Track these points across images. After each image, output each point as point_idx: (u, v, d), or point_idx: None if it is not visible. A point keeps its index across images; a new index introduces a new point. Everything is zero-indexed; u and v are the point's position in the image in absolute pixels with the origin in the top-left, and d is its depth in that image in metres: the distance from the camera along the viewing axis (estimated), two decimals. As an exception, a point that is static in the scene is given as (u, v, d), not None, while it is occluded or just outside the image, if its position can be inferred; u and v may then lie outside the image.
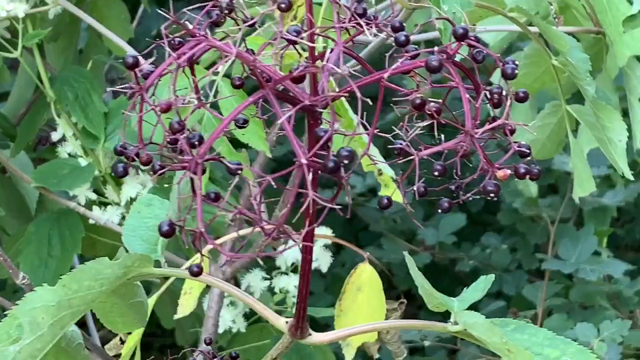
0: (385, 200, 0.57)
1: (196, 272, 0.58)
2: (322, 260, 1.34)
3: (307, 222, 0.57)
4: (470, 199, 0.57)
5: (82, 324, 1.37)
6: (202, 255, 0.56)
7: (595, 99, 0.97)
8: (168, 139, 0.54)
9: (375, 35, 0.55)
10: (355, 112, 0.54)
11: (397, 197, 0.65)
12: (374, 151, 0.90)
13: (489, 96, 0.54)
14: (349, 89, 0.53)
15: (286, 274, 1.34)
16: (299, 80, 0.53)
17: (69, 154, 1.26)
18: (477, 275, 2.03)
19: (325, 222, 1.51)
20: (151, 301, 0.98)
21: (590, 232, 1.85)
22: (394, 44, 0.54)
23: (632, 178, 1.05)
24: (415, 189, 0.55)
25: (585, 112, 1.02)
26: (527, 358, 0.60)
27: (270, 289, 1.37)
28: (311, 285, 1.69)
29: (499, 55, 0.55)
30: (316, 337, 0.65)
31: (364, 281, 1.01)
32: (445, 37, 0.73)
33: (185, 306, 1.13)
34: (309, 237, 0.59)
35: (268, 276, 1.37)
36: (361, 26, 0.54)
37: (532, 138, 1.04)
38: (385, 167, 0.90)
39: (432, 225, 2.08)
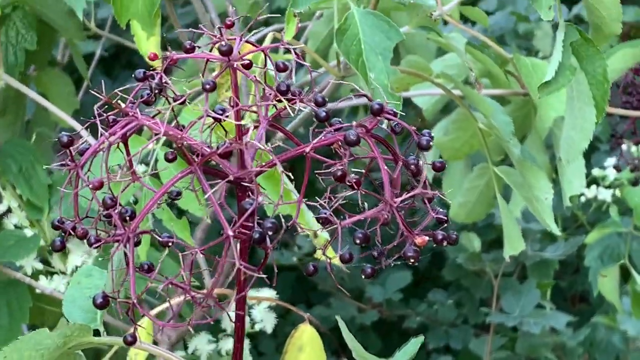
0: (312, 267, 0.59)
1: (129, 341, 0.59)
2: (266, 321, 1.36)
3: (237, 289, 0.59)
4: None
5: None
6: (136, 325, 0.58)
7: (521, 159, 1.00)
8: (102, 214, 0.56)
9: (299, 110, 0.57)
10: (287, 182, 0.56)
11: (334, 260, 0.67)
12: (310, 216, 0.92)
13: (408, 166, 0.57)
14: (271, 163, 0.55)
15: (232, 336, 1.35)
16: (225, 155, 0.55)
17: (15, 225, 1.27)
18: (425, 330, 2.05)
19: (276, 283, 1.53)
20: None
21: (532, 286, 1.87)
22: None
23: (559, 234, 1.07)
24: (339, 254, 0.57)
25: (512, 173, 1.04)
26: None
27: (217, 351, 1.38)
28: (262, 346, 1.70)
29: (414, 128, 0.57)
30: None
31: (305, 341, 1.03)
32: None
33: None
34: (241, 305, 0.61)
35: (214, 339, 1.38)
36: (285, 101, 0.56)
37: (462, 201, 1.07)
38: (321, 231, 0.92)
39: (379, 283, 2.09)
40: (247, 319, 1.34)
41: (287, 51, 0.62)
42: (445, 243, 0.57)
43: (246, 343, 1.34)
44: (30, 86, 1.25)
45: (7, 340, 1.27)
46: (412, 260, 0.57)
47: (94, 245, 0.57)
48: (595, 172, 1.75)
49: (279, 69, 0.59)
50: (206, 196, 0.53)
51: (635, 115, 1.23)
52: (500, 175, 1.06)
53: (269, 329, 1.37)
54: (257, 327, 1.36)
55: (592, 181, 1.76)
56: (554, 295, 1.97)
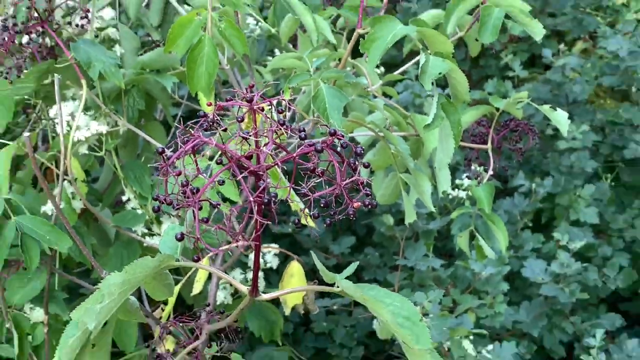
0: (297, 222, 0.61)
1: (195, 260, 0.61)
2: (273, 262, 1.37)
3: (255, 231, 0.60)
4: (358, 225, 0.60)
5: (140, 300, 1.38)
6: (199, 252, 0.59)
7: (414, 170, 1.02)
8: (181, 191, 0.58)
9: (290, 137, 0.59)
10: (282, 176, 0.58)
11: (310, 222, 0.68)
12: (294, 196, 0.93)
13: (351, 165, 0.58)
14: (274, 163, 0.56)
15: (252, 269, 1.37)
16: (249, 158, 0.57)
17: (132, 207, 1.28)
18: (362, 269, 2.04)
19: (277, 242, 1.54)
20: (177, 286, 1.00)
21: (422, 244, 1.88)
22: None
23: (434, 211, 1.08)
24: (312, 213, 0.58)
25: (410, 178, 1.06)
26: (375, 303, 0.63)
27: (245, 279, 1.37)
28: (269, 277, 1.68)
29: (358, 145, 0.59)
30: (263, 296, 0.68)
31: (294, 271, 1.04)
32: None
33: (197, 288, 1.15)
34: (257, 251, 0.62)
35: (243, 272, 1.38)
36: (283, 129, 0.58)
37: (382, 193, 1.08)
38: (299, 204, 0.92)
39: (337, 243, 2.08)
40: (261, 260, 1.35)
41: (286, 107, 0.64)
42: (369, 206, 0.58)
43: (260, 274, 1.34)
44: (141, 130, 1.25)
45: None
46: (351, 215, 0.58)
47: (176, 208, 0.59)
48: (457, 181, 1.78)
49: (279, 112, 0.60)
50: (238, 178, 0.54)
51: (477, 147, 1.25)
52: (404, 179, 1.07)
53: (275, 266, 1.37)
54: (267, 265, 1.37)
55: (455, 187, 1.79)
56: (434, 249, 1.98)
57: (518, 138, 1.34)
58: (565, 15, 2.43)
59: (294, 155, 0.57)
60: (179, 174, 0.57)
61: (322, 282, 0.73)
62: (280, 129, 0.58)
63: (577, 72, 2.32)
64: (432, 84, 0.88)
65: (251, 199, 0.54)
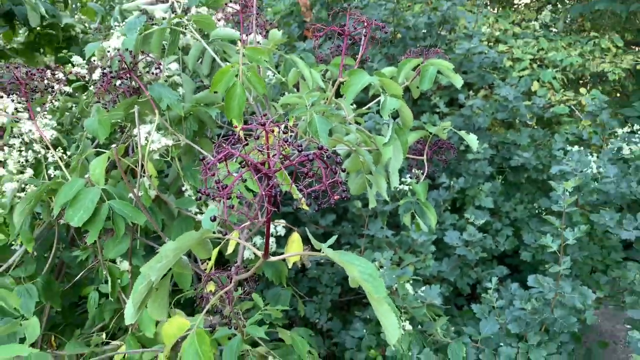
0: (295, 205, 0.56)
1: (224, 233, 0.57)
2: (281, 232, 1.32)
3: (266, 214, 0.56)
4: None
5: (194, 260, 1.33)
6: (227, 230, 0.55)
7: (375, 172, 0.97)
8: (217, 186, 0.53)
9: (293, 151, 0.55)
10: (287, 177, 0.54)
11: (304, 206, 0.64)
12: (295, 189, 0.88)
13: (333, 169, 0.54)
14: (281, 167, 0.52)
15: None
16: (262, 164, 0.52)
17: (188, 195, 1.23)
18: (341, 236, 2.00)
19: (284, 218, 1.50)
20: (216, 248, 0.95)
21: (379, 220, 1.85)
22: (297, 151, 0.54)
23: (387, 199, 1.03)
24: (307, 203, 0.54)
25: (372, 178, 1.01)
26: (347, 264, 0.59)
27: (262, 244, 1.33)
28: (280, 241, 1.63)
29: (338, 156, 0.55)
30: (272, 258, 0.64)
31: (295, 239, 1.00)
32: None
33: (229, 249, 1.11)
34: (268, 221, 0.58)
35: (262, 238, 1.34)
36: (286, 145, 0.54)
37: (354, 187, 1.04)
38: (298, 194, 0.88)
39: (323, 219, 2.05)
40: (272, 230, 1.31)
41: (289, 130, 0.59)
42: (344, 198, 0.54)
43: (272, 240, 1.30)
44: (196, 144, 1.21)
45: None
46: (332, 204, 0.54)
47: (212, 198, 0.55)
48: (402, 179, 1.73)
49: (284, 132, 0.56)
50: (255, 177, 0.50)
51: (416, 158, 1.20)
52: (368, 178, 1.03)
53: (282, 234, 1.33)
54: (277, 234, 1.32)
55: (401, 183, 1.74)
56: (387, 224, 1.95)
57: (443, 152, 1.30)
58: (473, 73, 2.40)
59: (294, 162, 0.53)
60: (213, 174, 0.52)
61: (313, 248, 0.70)
62: (284, 144, 0.54)
63: (480, 110, 2.29)
64: (389, 115, 0.84)
65: (262, 192, 0.50)
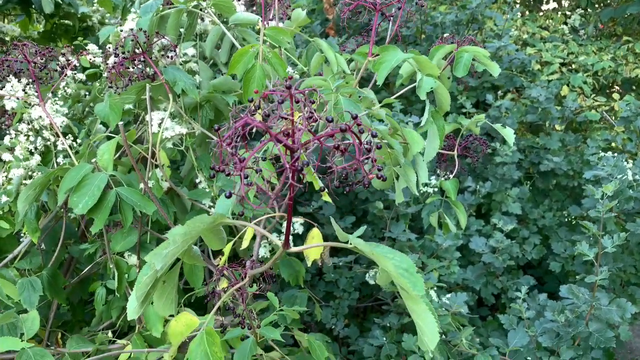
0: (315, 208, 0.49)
1: (241, 214, 0.49)
2: (299, 229, 1.25)
3: (289, 193, 0.48)
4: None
5: (207, 254, 1.26)
6: (243, 210, 0.48)
7: (404, 165, 0.89)
8: (234, 159, 0.46)
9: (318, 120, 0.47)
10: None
11: (327, 197, 0.57)
12: (317, 180, 0.81)
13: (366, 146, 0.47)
14: (308, 141, 0.45)
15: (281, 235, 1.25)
16: (287, 135, 0.45)
17: (203, 187, 1.17)
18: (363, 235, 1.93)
19: (303, 216, 1.43)
20: (229, 243, 0.88)
21: (402, 223, 1.76)
22: (326, 123, 0.46)
23: (417, 194, 0.96)
24: (334, 185, 0.47)
25: (400, 170, 0.93)
26: (380, 257, 0.51)
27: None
28: (296, 241, 1.55)
29: (373, 129, 0.47)
30: (292, 249, 0.56)
31: (314, 235, 0.92)
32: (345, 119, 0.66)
33: (244, 244, 1.03)
34: (291, 199, 0.51)
35: (278, 235, 1.27)
36: (312, 118, 0.46)
37: (378, 181, 0.96)
38: (318, 181, 0.80)
39: (342, 220, 1.96)
40: (292, 227, 1.23)
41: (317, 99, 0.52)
42: (381, 178, 0.46)
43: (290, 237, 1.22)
44: (211, 133, 1.14)
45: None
46: (366, 185, 0.47)
47: (227, 174, 0.47)
48: (427, 181, 1.65)
49: (311, 102, 0.49)
50: (277, 147, 0.43)
51: (447, 153, 1.13)
52: (396, 171, 0.95)
53: (300, 232, 1.26)
54: (295, 232, 1.24)
55: (425, 184, 1.66)
56: (410, 228, 1.86)
57: (474, 149, 1.22)
58: (500, 75, 2.31)
59: (324, 134, 0.46)
60: (230, 144, 0.45)
61: (335, 243, 0.62)
62: (312, 114, 0.47)
63: (508, 112, 2.19)
64: (426, 95, 0.76)
65: (287, 165, 0.42)
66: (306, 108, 0.48)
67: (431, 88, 0.73)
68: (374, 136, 0.46)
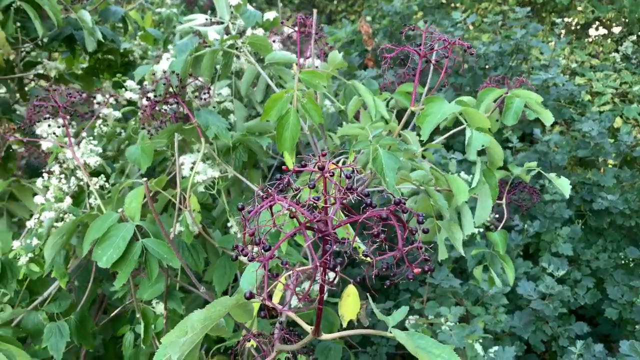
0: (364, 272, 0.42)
1: (263, 316, 0.42)
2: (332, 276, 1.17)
3: (320, 293, 0.41)
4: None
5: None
6: (267, 295, 0.41)
7: (448, 219, 0.81)
8: (258, 245, 0.40)
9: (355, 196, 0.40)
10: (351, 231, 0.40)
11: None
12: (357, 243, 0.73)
13: (412, 231, 0.40)
14: (342, 224, 0.38)
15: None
16: (319, 221, 0.38)
17: (234, 232, 1.11)
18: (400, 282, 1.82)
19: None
20: (256, 305, 0.81)
21: (445, 267, 1.65)
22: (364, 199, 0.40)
23: (462, 253, 0.87)
24: (374, 274, 0.40)
25: (443, 224, 0.85)
26: (424, 356, 0.43)
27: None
28: (329, 290, 1.48)
29: (418, 212, 0.40)
30: (323, 336, 0.49)
31: (350, 292, 0.84)
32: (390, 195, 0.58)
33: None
34: (320, 301, 0.44)
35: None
36: (347, 193, 0.40)
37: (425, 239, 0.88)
38: (362, 246, 0.73)
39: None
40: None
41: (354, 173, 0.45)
42: (428, 271, 0.39)
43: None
44: (244, 176, 1.09)
45: (230, 278, 1.13)
46: (411, 279, 0.39)
47: (250, 260, 0.41)
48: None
49: (347, 177, 0.42)
50: (306, 244, 0.36)
51: (495, 202, 1.03)
52: (438, 224, 0.86)
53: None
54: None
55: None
56: (453, 270, 1.75)
57: (523, 197, 1.12)
58: (547, 106, 2.18)
59: (361, 218, 0.39)
60: (253, 233, 0.39)
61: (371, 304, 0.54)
62: (347, 193, 0.40)
63: (557, 147, 2.06)
64: (475, 154, 0.68)
65: (317, 263, 0.36)
66: (340, 182, 0.42)
67: (483, 146, 0.65)
68: (420, 222, 0.39)
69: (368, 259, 0.42)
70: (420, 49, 0.71)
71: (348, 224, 0.50)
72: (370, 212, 0.38)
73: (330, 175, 0.41)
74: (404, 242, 0.38)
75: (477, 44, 2.31)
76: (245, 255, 0.42)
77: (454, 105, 0.69)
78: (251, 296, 0.40)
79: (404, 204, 0.38)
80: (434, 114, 0.67)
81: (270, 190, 0.42)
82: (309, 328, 0.49)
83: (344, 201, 0.39)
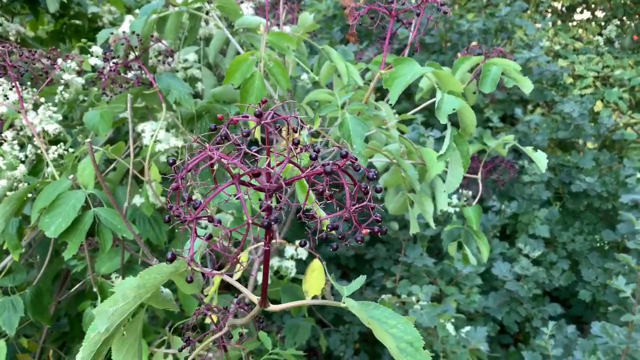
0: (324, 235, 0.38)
1: (170, 258, 0.38)
2: (302, 255, 1.13)
3: (265, 253, 0.37)
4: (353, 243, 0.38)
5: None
6: (174, 254, 0.37)
7: (419, 191, 0.78)
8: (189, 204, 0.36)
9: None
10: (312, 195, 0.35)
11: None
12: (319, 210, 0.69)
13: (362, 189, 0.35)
14: (291, 180, 0.34)
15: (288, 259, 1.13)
16: (255, 175, 0.34)
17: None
18: (374, 260, 1.79)
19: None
20: (217, 279, 0.77)
21: (419, 246, 1.63)
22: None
23: (434, 227, 0.84)
24: (320, 236, 0.35)
25: (415, 197, 0.81)
26: (377, 326, 0.40)
27: (281, 266, 1.13)
28: (299, 266, 1.44)
29: (367, 168, 0.35)
30: (270, 307, 0.45)
31: (315, 267, 0.81)
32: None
33: (235, 276, 0.92)
34: (267, 258, 0.39)
35: (280, 260, 1.15)
36: (296, 149, 0.35)
37: (393, 207, 0.84)
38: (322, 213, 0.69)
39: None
40: (293, 253, 1.11)
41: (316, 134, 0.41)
42: (379, 233, 0.35)
43: (293, 264, 1.10)
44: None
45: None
46: (359, 241, 0.35)
47: (182, 221, 0.37)
48: (449, 201, 1.51)
49: (294, 131, 0.38)
50: (237, 196, 0.32)
51: (469, 177, 1.00)
52: (410, 197, 0.82)
53: (304, 258, 1.14)
54: (298, 257, 1.12)
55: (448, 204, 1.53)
56: (428, 249, 1.73)
57: (500, 172, 1.09)
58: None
59: (303, 175, 0.35)
60: (176, 188, 0.34)
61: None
62: (297, 148, 0.36)
63: (538, 128, 2.04)
64: (447, 119, 0.64)
65: (249, 221, 0.31)
66: (290, 137, 0.37)
67: (454, 110, 0.61)
68: (370, 179, 0.34)
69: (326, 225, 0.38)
70: (392, 8, 0.66)
71: (310, 191, 0.46)
72: (314, 166, 0.33)
73: (276, 131, 0.37)
74: (353, 201, 0.34)
75: (461, 21, 2.27)
76: (177, 217, 0.38)
77: (425, 67, 0.65)
78: (173, 257, 0.35)
79: (355, 158, 0.33)
80: (404, 75, 0.63)
81: (205, 144, 0.37)
82: (255, 299, 0.45)
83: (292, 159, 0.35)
